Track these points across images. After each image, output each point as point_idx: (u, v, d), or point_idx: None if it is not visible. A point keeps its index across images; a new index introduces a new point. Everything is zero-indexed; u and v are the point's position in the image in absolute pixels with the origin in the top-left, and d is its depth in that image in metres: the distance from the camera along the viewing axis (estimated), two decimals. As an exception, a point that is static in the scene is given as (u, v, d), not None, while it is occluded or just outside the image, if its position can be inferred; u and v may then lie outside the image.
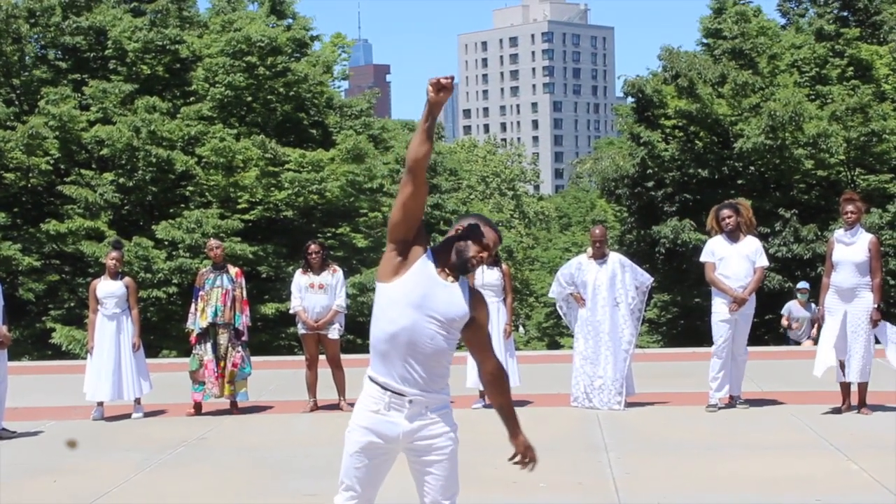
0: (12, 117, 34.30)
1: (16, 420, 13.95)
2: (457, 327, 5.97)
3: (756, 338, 19.23)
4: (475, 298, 6.05)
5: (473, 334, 6.09)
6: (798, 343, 22.32)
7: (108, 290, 14.75)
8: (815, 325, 13.70)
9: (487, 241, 5.99)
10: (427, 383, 5.92)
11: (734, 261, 13.84)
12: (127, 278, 15.16)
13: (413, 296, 5.86)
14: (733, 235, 13.94)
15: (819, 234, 33.30)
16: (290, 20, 39.12)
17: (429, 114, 5.74)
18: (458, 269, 5.96)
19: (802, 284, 23.82)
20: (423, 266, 5.91)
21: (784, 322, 23.01)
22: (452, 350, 6.00)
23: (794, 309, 22.92)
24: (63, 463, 11.98)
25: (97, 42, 36.37)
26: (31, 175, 34.01)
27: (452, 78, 5.78)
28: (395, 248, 5.91)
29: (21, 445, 13.04)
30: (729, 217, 13.91)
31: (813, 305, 21.63)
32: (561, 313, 15.20)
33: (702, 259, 14.24)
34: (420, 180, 5.82)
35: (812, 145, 33.98)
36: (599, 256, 14.54)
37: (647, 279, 14.73)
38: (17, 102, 35.78)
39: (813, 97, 36.02)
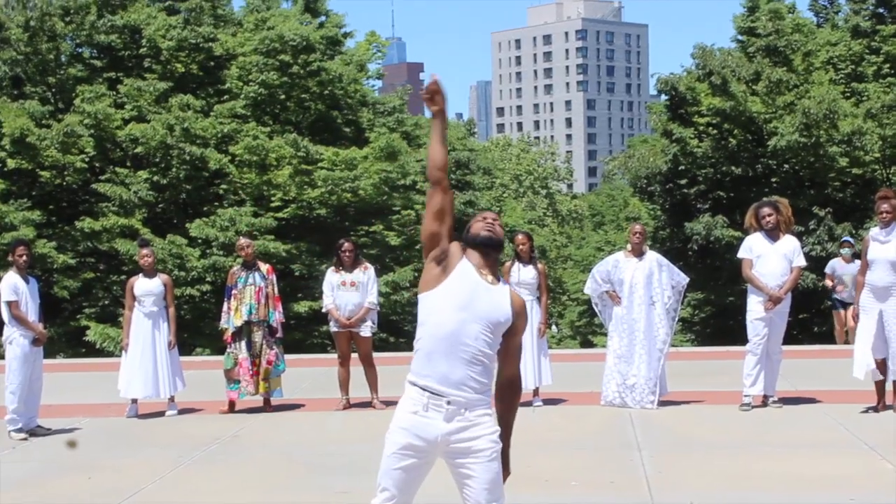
0: (48, 115, 34.48)
1: (51, 417, 14.03)
2: (500, 331, 6.02)
3: (790, 337, 19.10)
4: (516, 305, 6.09)
5: (507, 340, 6.11)
6: (846, 306, 20.78)
7: (146, 287, 14.80)
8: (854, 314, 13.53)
9: (486, 215, 6.21)
10: (467, 385, 5.93)
11: (772, 259, 13.78)
12: (164, 276, 15.22)
13: (458, 297, 5.94)
14: (773, 234, 13.88)
15: (854, 232, 33.11)
16: (324, 17, 39.18)
17: (438, 123, 6.01)
18: (483, 243, 6.08)
19: (847, 238, 23.01)
20: (464, 268, 6.02)
21: (828, 283, 22.09)
22: (494, 354, 6.02)
23: (837, 267, 21.83)
24: (98, 460, 12.04)
25: (132, 40, 36.53)
26: (66, 173, 34.18)
27: (435, 80, 5.98)
28: (433, 259, 6.03)
29: (56, 442, 13.11)
30: (769, 215, 13.85)
31: (857, 262, 20.79)
32: (596, 310, 15.18)
33: (739, 255, 14.18)
34: (447, 187, 6.00)
35: (847, 143, 33.80)
36: (638, 253, 14.49)
37: (684, 279, 14.68)
38: (52, 101, 35.96)
39: (848, 94, 35.83)
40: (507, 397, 6.20)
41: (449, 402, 5.93)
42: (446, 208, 6.01)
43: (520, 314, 6.10)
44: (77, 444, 12.89)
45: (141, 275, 14.96)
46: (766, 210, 13.93)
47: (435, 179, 6.01)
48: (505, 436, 6.15)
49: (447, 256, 6.01)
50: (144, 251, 15.02)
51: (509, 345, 6.12)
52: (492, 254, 6.12)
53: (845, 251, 22.00)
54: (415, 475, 6.08)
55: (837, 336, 22.35)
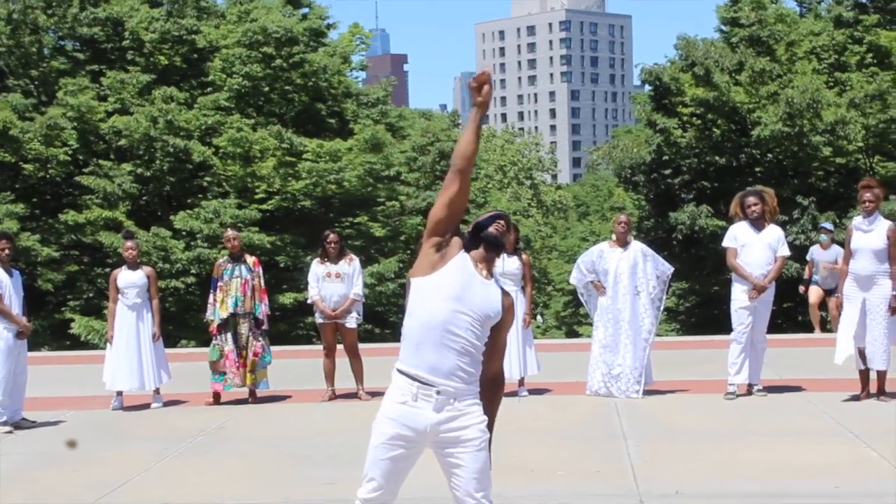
0: (31, 108, 34.38)
1: (36, 410, 14.02)
2: (488, 325, 6.05)
3: (775, 326, 19.15)
4: (506, 302, 6.14)
5: (494, 335, 6.14)
6: (831, 292, 20.32)
7: (129, 279, 14.79)
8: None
9: (499, 221, 6.24)
10: (456, 375, 5.95)
11: (756, 248, 13.81)
12: (148, 268, 15.22)
13: (452, 288, 5.96)
14: (757, 223, 13.90)
15: (837, 221, 33.18)
16: (307, 9, 39.13)
17: (477, 114, 5.97)
18: (491, 240, 6.15)
19: (826, 224, 22.99)
20: (462, 260, 6.05)
21: (807, 272, 21.99)
22: (482, 346, 6.04)
23: (816, 253, 21.71)
24: (83, 452, 12.02)
25: (114, 33, 36.43)
26: (49, 166, 34.10)
27: (486, 72, 5.96)
28: (433, 245, 6.04)
29: (41, 435, 13.11)
30: (755, 205, 13.87)
31: (836, 246, 20.65)
32: (582, 300, 15.21)
33: (724, 244, 14.21)
34: (467, 178, 6.00)
35: (830, 132, 33.86)
36: (623, 243, 14.50)
37: (668, 269, 14.70)
38: (35, 93, 35.88)
39: (831, 84, 35.90)
40: (490, 392, 6.21)
41: (439, 392, 5.94)
42: (462, 200, 6.03)
43: (508, 310, 6.13)
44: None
45: (124, 267, 14.95)
46: (751, 199, 13.96)
47: (460, 168, 5.98)
48: (488, 429, 6.16)
49: (447, 245, 6.03)
50: (129, 243, 15.00)
51: (496, 340, 6.14)
52: (492, 253, 6.17)
53: (823, 237, 21.96)
54: (403, 465, 6.09)
55: (812, 317, 22.47)
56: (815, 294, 21.71)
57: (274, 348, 15.89)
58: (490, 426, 6.16)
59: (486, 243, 6.15)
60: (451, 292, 5.95)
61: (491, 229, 6.17)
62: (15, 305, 13.38)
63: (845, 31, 36.75)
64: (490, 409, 6.18)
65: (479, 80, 5.93)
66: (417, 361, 5.97)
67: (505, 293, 6.16)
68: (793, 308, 32.78)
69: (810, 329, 22.79)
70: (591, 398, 14.32)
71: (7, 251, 13.38)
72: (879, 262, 13.11)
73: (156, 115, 33.44)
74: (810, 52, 36.96)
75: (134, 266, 14.92)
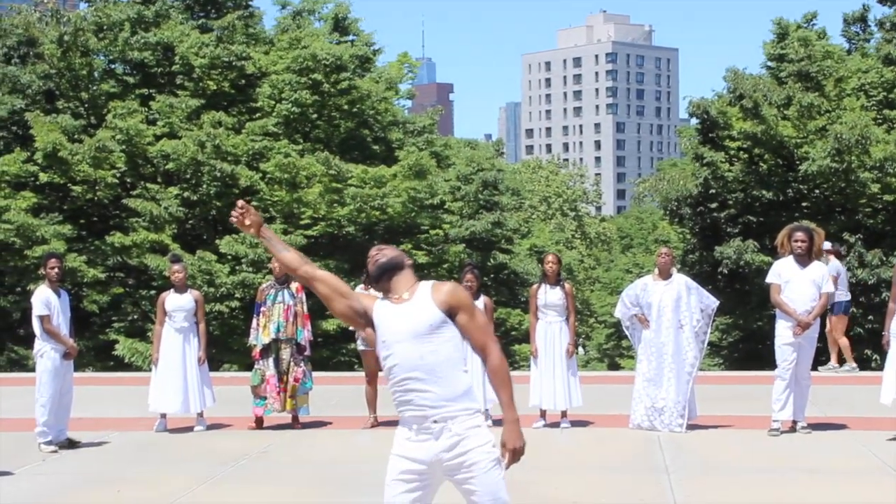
0: (80, 130, 34.70)
1: (80, 430, 14.09)
2: (436, 336, 6.08)
3: (820, 363, 19.03)
4: (442, 295, 6.13)
5: (459, 325, 6.14)
6: (830, 308, 19.65)
7: (178, 303, 14.86)
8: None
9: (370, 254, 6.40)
10: (442, 400, 6.04)
11: (801, 285, 13.72)
12: (196, 292, 15.31)
13: (384, 335, 6.13)
14: (802, 259, 13.81)
15: (884, 259, 32.95)
16: (354, 37, 39.36)
17: (267, 235, 6.46)
18: (372, 277, 6.34)
19: (827, 245, 22.55)
20: (378, 306, 6.23)
21: None
22: (454, 354, 6.08)
23: None
24: (127, 473, 12.10)
25: (164, 57, 36.72)
26: (97, 188, 34.38)
27: (240, 203, 6.45)
28: (367, 324, 6.28)
29: (85, 455, 13.17)
30: (803, 242, 13.77)
31: (834, 260, 20.01)
32: (626, 333, 15.18)
33: (768, 280, 14.13)
34: (315, 275, 6.31)
35: (879, 169, 33.65)
36: (665, 275, 14.46)
37: (713, 302, 14.63)
38: (84, 115, 36.20)
39: (880, 121, 35.70)
40: (490, 371, 6.19)
41: (435, 421, 6.04)
42: (332, 287, 6.26)
43: (452, 303, 6.11)
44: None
45: (172, 290, 15.02)
46: (800, 234, 13.86)
47: (303, 277, 6.30)
48: (504, 409, 6.16)
49: (367, 311, 6.23)
50: (176, 267, 15.08)
51: (465, 327, 6.14)
52: (383, 280, 6.27)
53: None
54: (419, 496, 6.18)
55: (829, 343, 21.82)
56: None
57: (316, 374, 15.92)
58: (509, 399, 6.14)
59: (375, 282, 6.33)
60: (385, 342, 6.14)
61: (369, 269, 6.30)
62: (63, 326, 13.47)
63: (894, 68, 36.56)
64: (503, 386, 6.15)
65: (238, 211, 6.43)
66: (405, 404, 6.12)
67: (436, 286, 6.20)
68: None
69: (858, 366, 22.51)
70: (634, 431, 14.27)
71: (56, 270, 13.49)
72: (928, 300, 13.00)
73: (203, 139, 33.63)
74: (858, 89, 36.78)
75: (182, 289, 15.00)
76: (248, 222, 6.35)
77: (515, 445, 6.11)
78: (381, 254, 6.30)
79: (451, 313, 6.10)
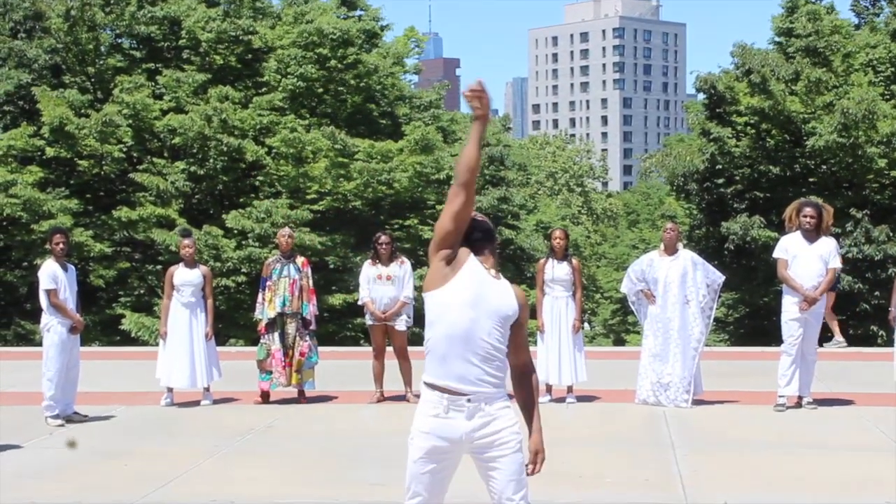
0: (87, 105, 34.71)
1: (87, 404, 14.13)
2: (508, 324, 6.07)
3: (826, 339, 19.03)
4: (520, 297, 6.16)
5: (514, 332, 6.15)
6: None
7: (186, 278, 14.87)
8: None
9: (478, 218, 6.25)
10: (484, 381, 5.98)
11: (808, 260, 13.69)
12: (204, 267, 15.34)
13: (467, 295, 5.97)
14: (810, 235, 13.77)
15: (891, 235, 32.93)
16: (361, 11, 39.29)
17: (479, 126, 6.02)
18: (484, 231, 6.19)
19: None
20: (472, 267, 6.05)
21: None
22: (505, 349, 6.07)
23: None
24: (134, 447, 12.13)
25: (171, 32, 36.71)
26: (104, 163, 34.42)
27: (479, 83, 6.00)
28: (443, 258, 6.05)
29: (93, 429, 13.21)
30: (812, 217, 13.72)
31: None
32: (632, 308, 15.18)
33: (775, 255, 14.10)
34: (472, 190, 6.03)
35: (886, 144, 33.61)
36: (671, 250, 14.44)
37: (719, 277, 14.62)
38: (91, 90, 36.20)
39: (888, 97, 35.61)
40: (525, 383, 6.23)
41: (469, 400, 5.98)
42: (467, 211, 6.05)
43: (523, 306, 6.15)
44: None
45: (181, 265, 15.03)
46: (809, 209, 13.80)
47: (464, 181, 6.00)
48: (534, 419, 6.19)
49: (456, 256, 6.04)
50: (186, 241, 15.09)
51: (517, 336, 6.15)
52: (487, 245, 6.17)
53: None
54: (443, 476, 6.13)
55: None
56: None
57: (322, 349, 15.95)
58: (535, 413, 6.19)
59: (477, 232, 6.16)
60: (467, 300, 5.97)
61: (476, 219, 6.17)
62: (69, 300, 13.50)
63: (903, 43, 36.45)
64: (530, 398, 6.21)
65: (474, 92, 5.98)
66: (444, 373, 6.00)
67: (517, 288, 6.19)
68: (845, 321, 32.57)
69: (864, 342, 22.54)
70: (640, 406, 14.29)
71: (62, 245, 13.50)
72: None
73: (210, 114, 33.62)
74: (867, 65, 36.69)
75: (191, 264, 15.00)
76: (479, 112, 5.98)
77: (545, 452, 6.18)
78: (484, 220, 6.25)
79: (518, 313, 6.12)
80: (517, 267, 44.33)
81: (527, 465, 6.14)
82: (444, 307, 6.01)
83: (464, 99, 6.06)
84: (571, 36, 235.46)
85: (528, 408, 6.20)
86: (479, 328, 5.95)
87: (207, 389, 15.00)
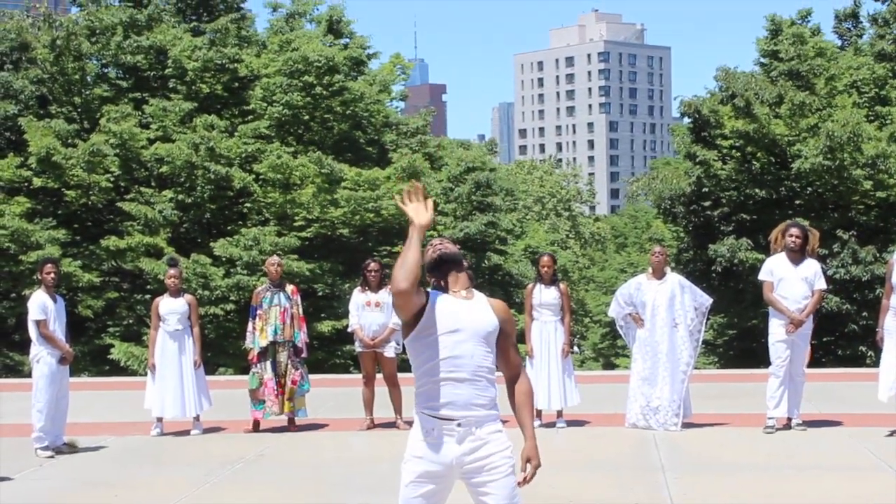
0: (73, 135, 34.69)
1: (76, 434, 14.10)
2: (492, 339, 6.12)
3: (815, 360, 19.09)
4: (498, 309, 6.20)
5: (500, 344, 6.19)
6: None
7: (171, 307, 14.90)
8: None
9: (432, 242, 6.30)
10: (474, 403, 6.03)
11: (793, 282, 13.75)
12: (189, 295, 15.34)
13: (447, 322, 6.03)
14: (794, 256, 13.82)
15: (878, 255, 33.02)
16: (347, 39, 39.37)
17: (417, 233, 5.96)
18: (440, 259, 6.21)
19: None
20: (440, 298, 6.11)
21: None
22: (493, 366, 6.11)
23: None
24: (124, 477, 12.12)
25: (157, 61, 36.71)
26: (91, 192, 34.36)
27: (418, 185, 6.12)
28: (408, 316, 6.03)
29: (82, 460, 13.19)
30: (797, 237, 13.78)
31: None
32: (621, 332, 15.22)
33: (760, 278, 14.15)
34: (411, 295, 5.89)
35: (871, 166, 33.75)
36: (659, 274, 14.48)
37: (707, 300, 14.67)
38: (78, 120, 36.18)
39: (872, 118, 35.78)
40: (519, 389, 6.26)
41: (459, 425, 6.02)
42: (408, 307, 5.98)
43: (506, 319, 6.19)
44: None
45: (166, 294, 15.06)
46: (795, 231, 13.86)
47: (401, 289, 5.86)
48: (528, 426, 6.23)
49: (420, 304, 6.01)
50: (172, 271, 15.13)
51: (504, 344, 6.20)
52: (453, 269, 6.20)
53: None
54: (436, 500, 6.16)
55: None
56: None
57: (312, 377, 15.94)
58: (530, 422, 6.23)
59: (441, 266, 6.19)
60: (447, 327, 6.02)
61: (433, 254, 6.20)
62: (59, 331, 13.50)
63: (886, 65, 36.66)
64: (525, 408, 6.24)
65: (415, 194, 6.05)
66: (434, 402, 6.05)
67: (492, 300, 6.23)
68: (833, 342, 32.64)
69: (852, 363, 22.62)
70: (630, 430, 14.31)
71: (53, 275, 13.52)
72: (922, 296, 13.03)
73: (197, 142, 33.63)
74: (851, 86, 36.87)
75: (175, 293, 15.03)
76: (426, 221, 5.98)
77: (539, 462, 6.19)
78: (445, 246, 6.26)
79: (500, 326, 6.16)
80: (506, 292, 44.28)
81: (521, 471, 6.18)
82: (425, 343, 6.06)
83: (399, 199, 6.11)
84: (557, 60, 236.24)
85: (523, 414, 6.23)
86: (462, 351, 6.01)
87: (197, 419, 14.99)
